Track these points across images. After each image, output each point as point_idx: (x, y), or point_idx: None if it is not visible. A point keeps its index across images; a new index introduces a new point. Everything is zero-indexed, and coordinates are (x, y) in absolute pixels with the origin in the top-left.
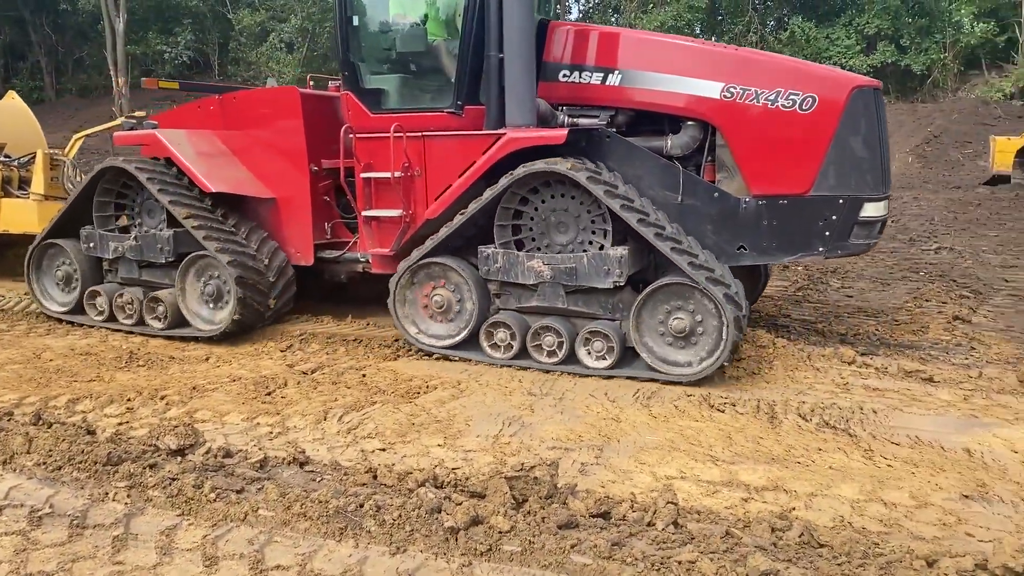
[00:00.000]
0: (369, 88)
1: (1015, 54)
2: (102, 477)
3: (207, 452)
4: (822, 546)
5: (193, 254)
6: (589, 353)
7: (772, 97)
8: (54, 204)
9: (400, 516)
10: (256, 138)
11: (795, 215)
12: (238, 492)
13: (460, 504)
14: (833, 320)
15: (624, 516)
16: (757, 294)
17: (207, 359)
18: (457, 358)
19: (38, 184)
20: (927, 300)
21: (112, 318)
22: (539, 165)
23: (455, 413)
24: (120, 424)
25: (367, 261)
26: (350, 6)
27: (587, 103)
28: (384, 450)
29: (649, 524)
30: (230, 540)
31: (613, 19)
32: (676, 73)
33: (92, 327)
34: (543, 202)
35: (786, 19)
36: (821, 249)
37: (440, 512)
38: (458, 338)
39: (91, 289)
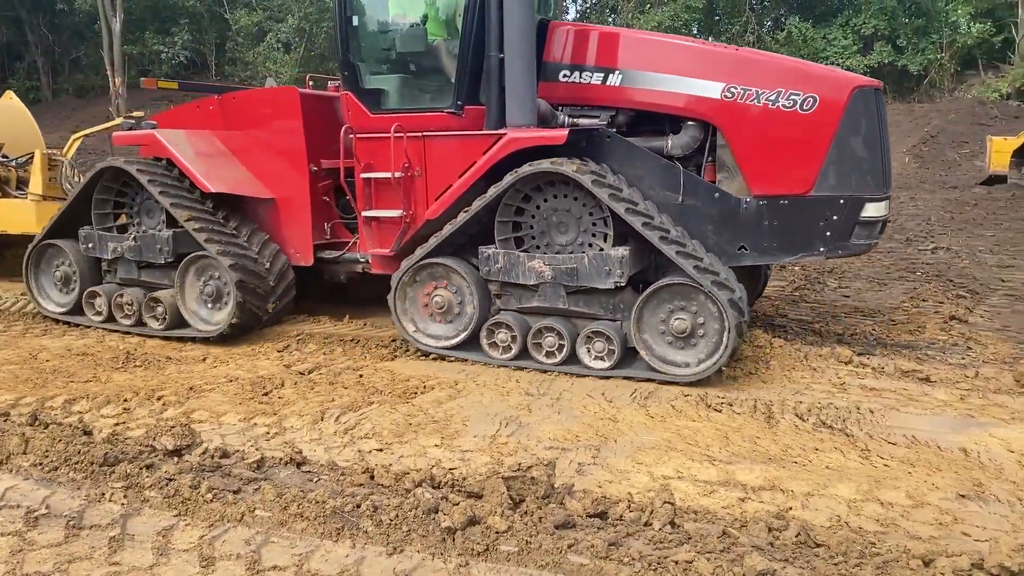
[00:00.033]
0: (369, 88)
1: (1011, 54)
2: (98, 478)
3: (204, 452)
4: (819, 546)
5: (193, 254)
6: (590, 353)
7: (773, 97)
8: (52, 204)
9: (397, 516)
10: (255, 138)
11: (796, 215)
12: (235, 492)
13: (457, 504)
14: (830, 320)
15: (621, 516)
16: (757, 295)
17: (204, 359)
18: (456, 358)
19: (36, 184)
20: (924, 300)
21: (111, 319)
22: (545, 165)
23: (452, 413)
24: (117, 425)
25: (367, 261)
26: (350, 6)
27: (587, 103)
28: (381, 450)
29: (646, 524)
30: (227, 540)
31: (610, 19)
32: (677, 73)
33: (91, 328)
34: (545, 201)
35: (783, 19)
36: (822, 249)
37: (437, 512)
38: (459, 338)
39: (90, 290)
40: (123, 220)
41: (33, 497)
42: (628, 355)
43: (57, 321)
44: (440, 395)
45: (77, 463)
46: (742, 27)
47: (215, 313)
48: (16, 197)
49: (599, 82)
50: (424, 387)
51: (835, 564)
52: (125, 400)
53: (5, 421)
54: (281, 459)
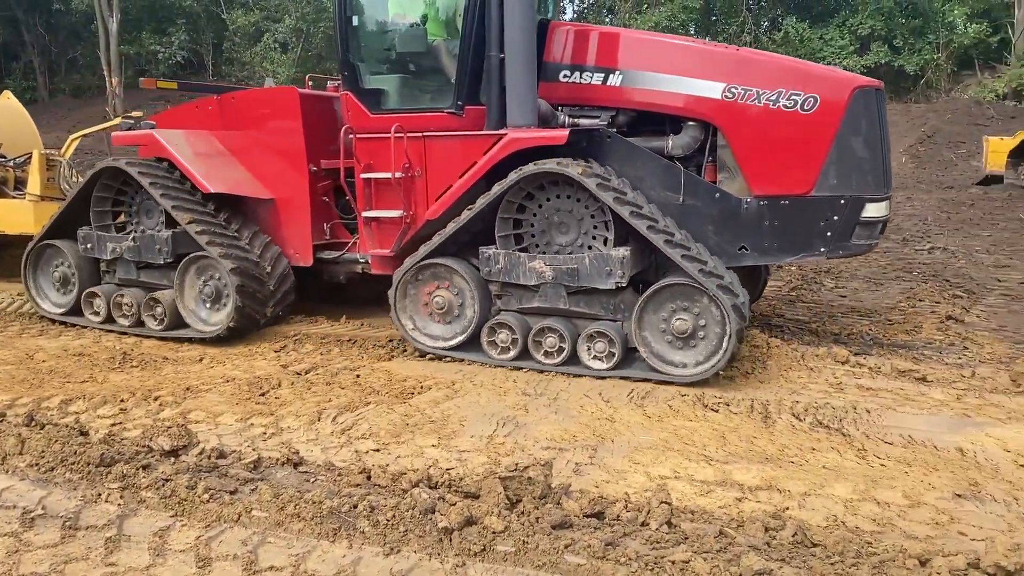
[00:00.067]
0: (369, 88)
1: (1008, 55)
2: (95, 478)
3: (201, 453)
4: (815, 545)
5: (192, 255)
6: (591, 354)
7: (774, 97)
8: (50, 205)
9: (394, 517)
10: (255, 138)
11: (797, 215)
12: (232, 493)
13: (454, 504)
14: (827, 320)
15: (618, 516)
16: (757, 295)
17: (201, 360)
18: (454, 359)
19: (34, 185)
20: (920, 300)
21: (109, 319)
22: (551, 165)
23: (449, 413)
24: (113, 425)
25: (366, 262)
26: (349, 6)
27: (588, 103)
28: (378, 451)
29: (643, 524)
30: (223, 541)
31: (607, 19)
32: (677, 73)
33: (87, 328)
34: (548, 200)
35: (780, 20)
36: (823, 249)
37: (434, 512)
38: (460, 339)
39: (88, 290)
40: (121, 220)
41: (29, 498)
42: (628, 355)
43: (54, 321)
44: (437, 395)
45: (73, 464)
46: (739, 27)
47: (214, 313)
48: (14, 197)
49: (599, 82)
50: (421, 387)
51: (832, 564)
52: (122, 400)
53: (1, 422)
54: (278, 459)
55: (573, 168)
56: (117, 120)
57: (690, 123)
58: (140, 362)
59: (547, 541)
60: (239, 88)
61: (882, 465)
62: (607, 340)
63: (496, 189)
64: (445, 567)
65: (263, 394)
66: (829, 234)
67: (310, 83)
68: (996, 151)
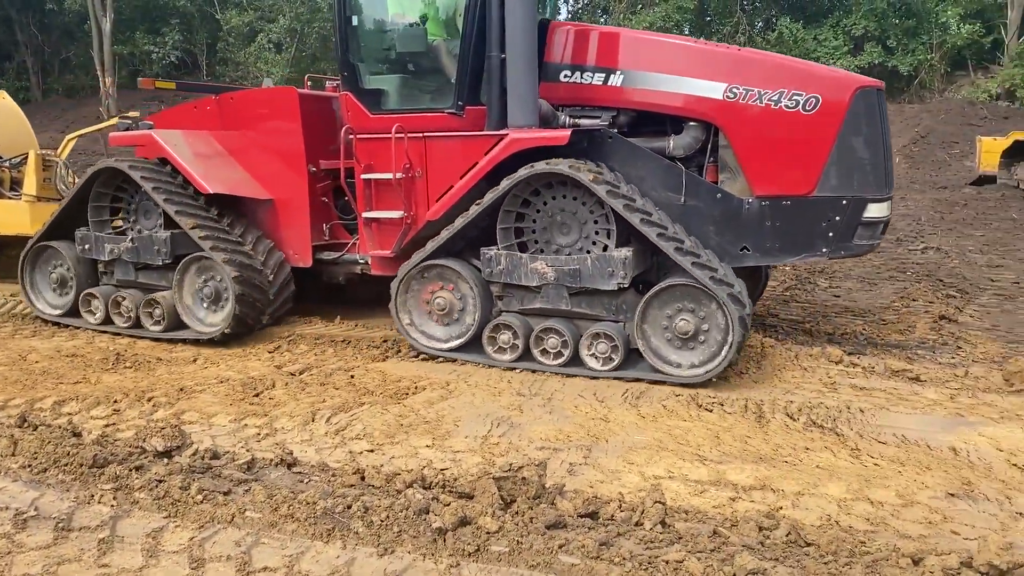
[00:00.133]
0: (369, 88)
1: (1001, 55)
2: (88, 479)
3: (194, 454)
4: (809, 545)
5: (191, 255)
6: (593, 355)
7: (775, 98)
8: (46, 206)
9: (388, 517)
10: (254, 139)
11: (798, 216)
12: (225, 494)
13: (448, 505)
14: (821, 320)
15: (612, 516)
16: (758, 295)
17: (195, 360)
18: (447, 359)
19: (30, 185)
20: (914, 300)
21: (108, 321)
22: (563, 167)
23: (444, 414)
24: (106, 426)
25: (366, 263)
26: (349, 6)
27: (588, 103)
28: (372, 451)
29: (637, 524)
30: (217, 542)
31: (602, 19)
32: (678, 73)
33: (80, 328)
34: (553, 199)
35: (774, 20)
36: (824, 250)
37: (428, 513)
38: (461, 340)
39: (86, 292)
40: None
41: (22, 499)
42: (630, 357)
43: (47, 322)
44: (431, 396)
45: (66, 465)
46: (733, 27)
47: (213, 314)
48: (10, 198)
49: (600, 82)
50: (415, 388)
51: (825, 563)
52: (115, 401)
53: None
54: (272, 460)
55: (584, 174)
56: (114, 120)
57: (691, 123)
58: (134, 363)
59: (541, 541)
60: (237, 88)
61: (876, 464)
62: (609, 341)
63: (505, 183)
64: (439, 567)
65: (257, 395)
66: (831, 234)
67: (309, 83)
68: (989, 151)
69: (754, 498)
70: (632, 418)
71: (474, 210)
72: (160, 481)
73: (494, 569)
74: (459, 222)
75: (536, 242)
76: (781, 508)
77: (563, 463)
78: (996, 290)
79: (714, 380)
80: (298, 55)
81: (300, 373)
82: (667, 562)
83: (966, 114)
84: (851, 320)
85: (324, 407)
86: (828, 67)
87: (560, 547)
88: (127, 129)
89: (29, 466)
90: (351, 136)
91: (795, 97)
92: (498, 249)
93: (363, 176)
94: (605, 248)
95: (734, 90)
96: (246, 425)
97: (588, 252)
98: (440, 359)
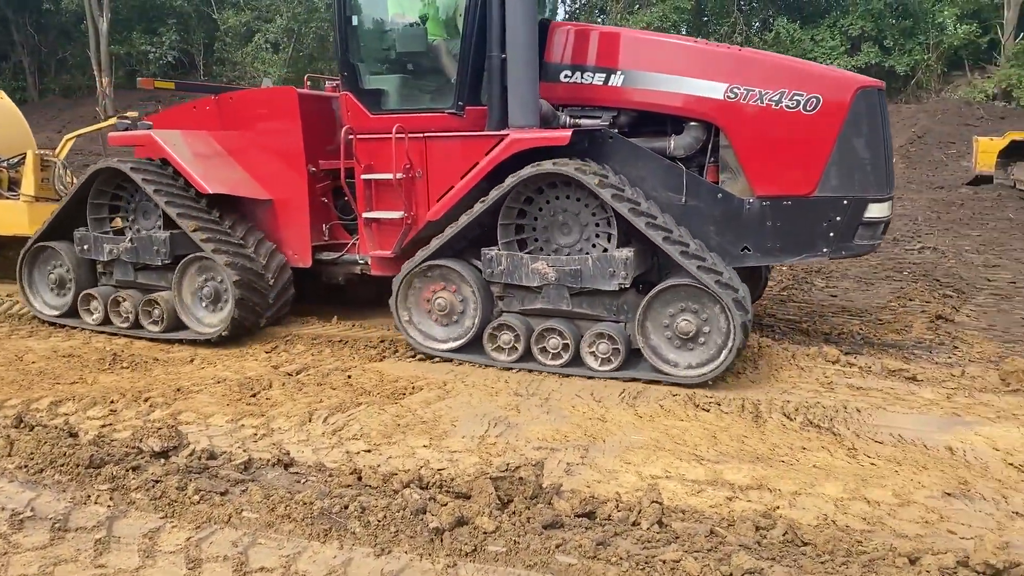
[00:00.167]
0: (369, 89)
1: (997, 55)
2: (84, 480)
3: (191, 454)
4: (806, 544)
5: (190, 255)
6: (594, 355)
7: (776, 98)
8: (45, 206)
9: (385, 517)
10: (253, 139)
11: (799, 216)
12: (222, 494)
13: (445, 505)
14: (817, 319)
15: (609, 516)
16: (758, 295)
17: (191, 360)
18: (444, 359)
19: (28, 185)
20: (910, 299)
21: (106, 321)
22: (570, 170)
23: (441, 414)
24: (103, 426)
25: (366, 263)
26: (349, 6)
27: (589, 104)
28: (369, 451)
29: (634, 523)
30: (214, 542)
31: (599, 20)
32: (679, 73)
33: (77, 329)
34: (556, 199)
35: (771, 20)
36: (825, 250)
37: (425, 513)
38: (459, 342)
39: (85, 292)
40: (118, 224)
41: (18, 499)
42: (632, 357)
43: (44, 323)
44: (429, 396)
45: (63, 465)
46: (730, 28)
47: (212, 314)
48: (8, 198)
49: (601, 82)
50: (413, 388)
51: (822, 563)
52: (112, 402)
53: None
54: (269, 460)
55: (590, 177)
56: (112, 120)
57: (692, 123)
58: (130, 363)
59: (538, 541)
60: (236, 88)
61: (872, 464)
62: (610, 341)
63: (511, 180)
64: (436, 567)
65: (254, 395)
66: (832, 235)
67: (308, 83)
68: (986, 151)
69: (751, 498)
70: (629, 418)
71: (479, 207)
72: (157, 481)
73: (491, 569)
74: (464, 219)
75: (536, 240)
76: (778, 508)
77: (560, 463)
78: (992, 290)
79: (710, 381)
80: (295, 55)
81: (297, 373)
82: (664, 562)
83: (963, 114)
84: (848, 320)
85: (321, 407)
86: (829, 67)
87: (557, 547)
88: (126, 129)
89: (25, 466)
90: (351, 136)
91: (796, 97)
92: (499, 249)
93: (363, 176)
94: (605, 248)
95: (735, 90)
96: (243, 425)
97: (589, 253)
98: (437, 359)
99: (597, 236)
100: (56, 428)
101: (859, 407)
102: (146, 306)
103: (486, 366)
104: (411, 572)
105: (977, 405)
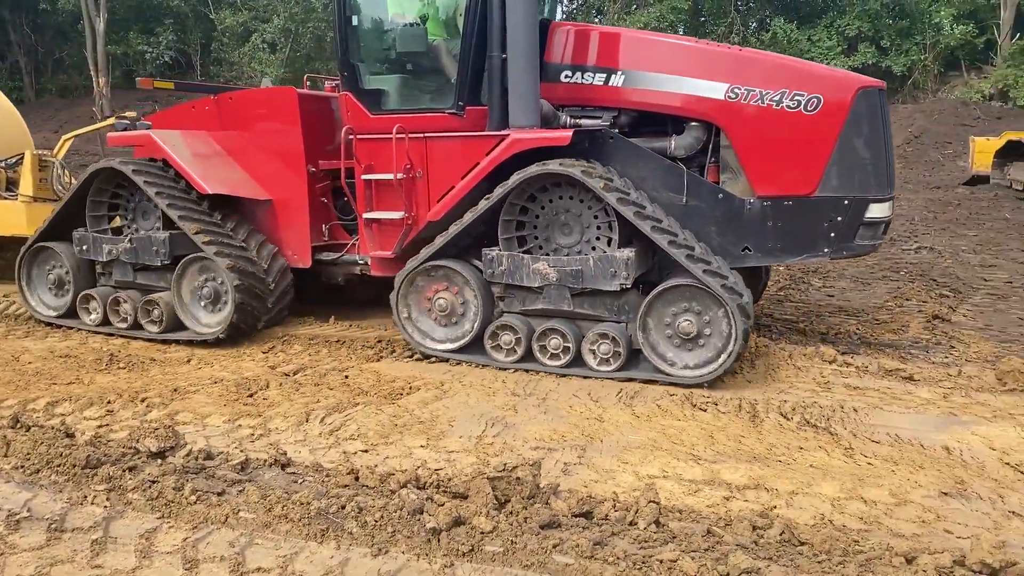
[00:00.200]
0: (369, 89)
1: (994, 56)
2: (81, 480)
3: (188, 454)
4: (803, 544)
5: (190, 256)
6: (595, 356)
7: (777, 98)
8: (43, 206)
9: (382, 517)
10: (253, 139)
11: (800, 216)
12: (219, 494)
13: (442, 505)
14: (814, 319)
15: (606, 515)
16: (757, 296)
17: (188, 361)
18: (453, 360)
19: (26, 186)
20: (907, 299)
21: (105, 322)
22: (575, 172)
23: (438, 414)
24: (100, 427)
25: (366, 263)
26: (349, 6)
27: (589, 104)
28: (366, 451)
29: (631, 523)
30: (211, 542)
31: (596, 20)
32: (680, 74)
33: (73, 329)
34: (558, 199)
35: (768, 20)
36: (826, 250)
37: (422, 513)
38: (459, 343)
39: (84, 293)
40: (117, 223)
41: (15, 500)
42: (633, 357)
43: (41, 323)
44: (426, 396)
45: (59, 466)
46: (727, 28)
47: (211, 315)
48: (6, 199)
49: (601, 83)
50: (410, 388)
51: (819, 562)
52: (108, 402)
53: None
54: (266, 461)
55: (595, 180)
56: (110, 120)
57: (692, 123)
58: (127, 363)
59: (535, 541)
60: (235, 88)
61: (869, 464)
62: (611, 341)
63: (515, 178)
64: (433, 567)
65: (251, 395)
66: (833, 235)
67: (307, 83)
68: (982, 151)
69: (748, 497)
70: (626, 418)
71: (484, 204)
72: (154, 482)
73: (488, 569)
74: (468, 216)
75: (536, 238)
76: (775, 507)
77: (557, 463)
78: (989, 290)
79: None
80: (292, 55)
81: (294, 373)
82: (661, 561)
83: (959, 114)
84: (845, 320)
85: (318, 407)
86: (829, 67)
87: (554, 547)
88: (125, 129)
89: (22, 467)
90: (351, 136)
91: (797, 97)
92: (500, 249)
93: (363, 177)
94: (606, 249)
95: (735, 90)
96: (240, 426)
97: (590, 253)
98: (434, 359)
99: (598, 238)
100: (53, 428)
101: (856, 407)
102: (145, 306)
103: (484, 366)
104: (408, 572)
105: (973, 405)
